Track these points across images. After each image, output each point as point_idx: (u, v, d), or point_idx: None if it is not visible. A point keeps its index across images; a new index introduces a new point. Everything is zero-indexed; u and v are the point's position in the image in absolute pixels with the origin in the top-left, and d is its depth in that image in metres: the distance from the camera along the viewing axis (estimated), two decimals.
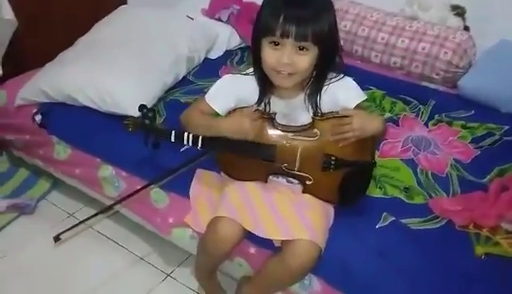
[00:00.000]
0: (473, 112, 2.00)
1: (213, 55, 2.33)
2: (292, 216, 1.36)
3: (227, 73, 1.51)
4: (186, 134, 1.41)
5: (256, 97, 1.41)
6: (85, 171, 1.84)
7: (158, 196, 1.65)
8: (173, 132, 1.44)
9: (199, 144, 1.41)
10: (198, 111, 1.43)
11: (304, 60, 1.29)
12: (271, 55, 1.29)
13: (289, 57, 1.27)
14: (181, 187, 1.60)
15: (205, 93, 1.47)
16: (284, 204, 1.39)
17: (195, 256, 1.57)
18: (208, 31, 2.31)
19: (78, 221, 1.85)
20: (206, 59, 2.29)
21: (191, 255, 1.67)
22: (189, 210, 1.55)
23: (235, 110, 1.41)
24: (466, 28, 2.30)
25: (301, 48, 1.27)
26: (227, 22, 2.44)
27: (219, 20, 2.45)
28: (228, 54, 2.35)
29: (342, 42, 2.31)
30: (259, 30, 1.31)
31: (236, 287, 1.58)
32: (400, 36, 2.26)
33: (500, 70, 2.05)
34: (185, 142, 1.42)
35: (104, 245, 1.85)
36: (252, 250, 1.48)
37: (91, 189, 1.88)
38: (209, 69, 2.19)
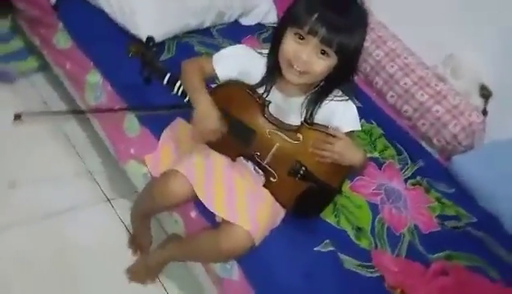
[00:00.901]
0: (453, 190, 1.99)
1: (244, 22, 2.28)
2: (243, 202, 1.35)
3: (246, 44, 1.48)
4: (178, 83, 1.39)
5: (259, 78, 1.38)
6: (75, 68, 1.81)
7: (131, 125, 1.63)
8: (168, 76, 1.42)
9: (185, 99, 1.38)
10: (199, 66, 1.40)
11: (321, 65, 1.27)
12: (291, 47, 1.27)
13: (308, 55, 1.25)
14: (156, 126, 1.58)
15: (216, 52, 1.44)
16: (241, 189, 1.38)
17: (142, 189, 1.56)
18: None
19: (48, 110, 1.82)
20: (236, 22, 2.25)
21: (137, 192, 1.66)
22: (153, 150, 1.54)
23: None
24: (484, 112, 2.29)
25: (322, 52, 1.25)
26: None
27: None
28: (259, 27, 2.31)
29: (368, 69, 2.35)
30: (289, 18, 1.28)
31: (164, 240, 1.57)
32: (422, 89, 2.23)
33: (496, 166, 2.04)
34: (174, 90, 1.40)
35: (61, 145, 1.83)
36: (193, 214, 1.48)
37: (73, 87, 1.86)
38: (235, 33, 2.14)
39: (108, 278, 1.53)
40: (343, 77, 1.34)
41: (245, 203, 1.35)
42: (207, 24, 2.08)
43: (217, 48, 1.89)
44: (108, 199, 1.73)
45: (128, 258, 1.59)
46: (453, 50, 2.33)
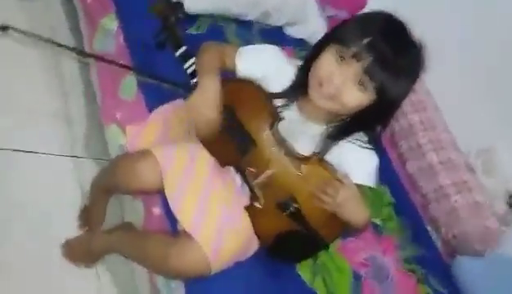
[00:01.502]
0: (446, 292, 1.76)
1: (289, 31, 2.08)
2: (214, 218, 1.13)
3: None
4: (192, 60, 1.19)
5: (280, 88, 1.18)
6: (95, 6, 1.62)
7: (128, 87, 1.43)
8: (183, 49, 1.21)
9: (193, 81, 1.17)
10: (220, 52, 1.20)
11: (354, 96, 1.06)
12: (327, 65, 1.07)
13: (343, 80, 1.04)
14: (153, 98, 1.38)
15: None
16: (217, 201, 1.16)
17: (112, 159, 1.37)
18: (304, 9, 2.07)
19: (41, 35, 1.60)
20: (281, 28, 2.05)
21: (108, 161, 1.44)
22: (139, 123, 1.33)
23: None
24: (505, 220, 2.07)
25: (361, 83, 1.05)
26: (326, 19, 2.20)
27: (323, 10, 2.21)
28: (302, 43, 2.10)
29: (397, 129, 2.13)
30: (335, 34, 1.09)
31: (115, 226, 1.35)
32: (447, 171, 2.02)
33: (502, 282, 1.81)
34: (185, 66, 1.19)
35: (50, 79, 1.61)
36: (156, 210, 1.26)
37: (86, 25, 1.66)
38: (275, 38, 1.94)
39: (41, 241, 1.32)
40: (373, 121, 1.14)
41: (216, 220, 1.12)
42: (250, 17, 1.88)
43: (248, 43, 1.72)
44: (75, 156, 1.51)
45: (72, 229, 1.37)
46: (491, 145, 2.13)
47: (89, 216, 1.37)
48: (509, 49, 2.03)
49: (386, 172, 1.92)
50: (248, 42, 1.76)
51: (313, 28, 2.14)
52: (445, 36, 1.88)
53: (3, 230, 1.29)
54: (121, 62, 1.43)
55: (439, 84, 2.15)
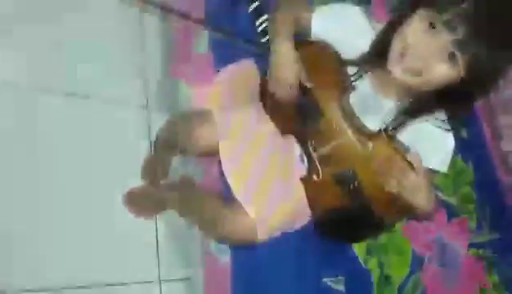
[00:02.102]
0: None
1: None
2: (266, 188, 1.11)
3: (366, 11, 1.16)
4: (264, 17, 1.13)
5: (357, 53, 1.08)
6: None
7: (201, 43, 1.40)
8: (255, 4, 1.16)
9: (264, 39, 1.12)
10: (296, 9, 1.11)
11: (441, 71, 0.93)
12: (414, 33, 0.94)
13: (431, 53, 0.92)
14: (222, 57, 1.34)
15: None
16: (272, 170, 1.13)
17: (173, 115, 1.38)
18: None
19: None
20: None
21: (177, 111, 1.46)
22: (207, 82, 1.32)
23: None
24: None
25: (451, 56, 0.92)
26: None
27: None
28: None
29: (497, 101, 1.92)
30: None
31: (177, 181, 1.39)
32: None
33: None
34: (257, 23, 1.14)
35: (129, 28, 1.60)
36: (214, 170, 1.26)
37: None
38: None
39: (104, 186, 1.37)
40: (460, 100, 1.01)
41: (268, 192, 1.11)
42: None
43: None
44: (146, 106, 1.54)
45: (136, 179, 1.42)
46: None
47: (153, 168, 1.41)
48: None
49: (474, 147, 1.76)
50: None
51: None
52: None
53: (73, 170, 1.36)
54: (193, 16, 1.40)
55: None
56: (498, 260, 1.60)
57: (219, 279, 1.20)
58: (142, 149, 1.47)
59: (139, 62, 1.58)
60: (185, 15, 1.39)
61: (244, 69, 1.30)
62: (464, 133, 1.70)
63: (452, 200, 1.62)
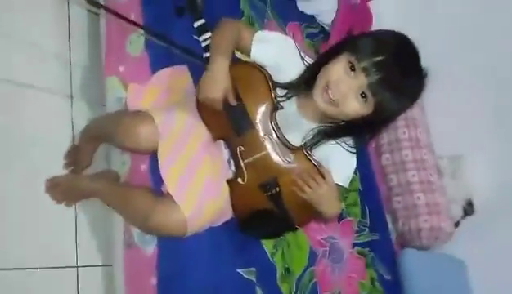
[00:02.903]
0: (389, 278, 1.93)
1: (301, 6, 2.12)
2: (197, 187, 1.23)
3: (291, 33, 1.34)
4: (208, 34, 1.24)
5: (287, 79, 1.26)
6: None
7: (135, 43, 1.46)
8: (201, 22, 1.28)
9: (205, 55, 1.24)
10: (237, 32, 1.25)
11: (354, 107, 1.16)
12: (337, 72, 1.15)
13: (349, 89, 1.13)
14: (158, 60, 1.42)
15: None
16: (203, 172, 1.25)
17: (105, 112, 1.43)
18: None
19: None
20: (294, 1, 2.09)
21: (104, 106, 1.49)
22: (142, 81, 1.39)
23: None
24: (457, 224, 2.23)
25: (363, 95, 1.14)
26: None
27: None
28: (310, 20, 2.14)
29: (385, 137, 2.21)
30: (352, 44, 1.16)
31: (100, 172, 1.44)
32: (417, 170, 2.13)
33: (438, 278, 2.00)
34: (200, 39, 1.25)
35: (57, 20, 1.60)
36: (143, 167, 1.35)
37: None
38: (285, 11, 1.97)
39: (26, 173, 1.39)
40: (364, 130, 1.24)
41: (199, 190, 1.23)
42: None
43: (260, 14, 1.76)
44: (71, 96, 1.56)
45: (58, 167, 1.45)
46: (466, 154, 2.25)
47: (76, 157, 1.45)
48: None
49: (361, 160, 2.02)
50: (257, 11, 1.80)
51: (325, 6, 2.18)
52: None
53: None
54: (132, 16, 1.46)
55: (430, 87, 2.24)
56: (374, 258, 1.88)
57: (141, 268, 1.29)
58: (64, 138, 1.50)
59: (66, 55, 1.59)
60: (122, 16, 1.43)
61: (179, 74, 1.40)
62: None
63: (342, 205, 1.86)
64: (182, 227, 1.18)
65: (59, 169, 1.45)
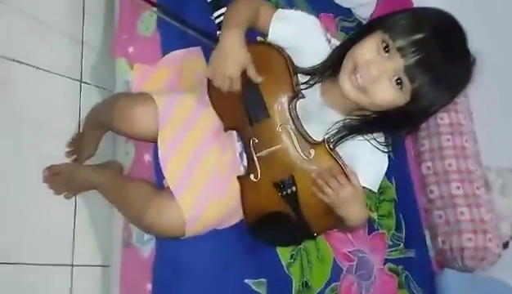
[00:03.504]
0: None
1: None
2: (201, 182, 1.08)
3: (321, 22, 1.17)
4: (221, 10, 1.10)
5: (309, 64, 1.09)
6: None
7: (147, 23, 1.33)
8: None
9: (217, 31, 1.09)
10: (255, 9, 1.10)
11: (387, 93, 0.98)
12: (368, 52, 0.98)
13: (381, 72, 0.96)
14: (170, 41, 1.29)
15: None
16: (208, 165, 1.10)
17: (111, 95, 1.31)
18: None
19: None
20: None
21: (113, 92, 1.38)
22: (151, 62, 1.26)
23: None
24: (506, 245, 1.99)
25: (399, 81, 0.96)
26: None
27: None
28: (346, 12, 1.96)
29: (423, 125, 2.00)
30: (385, 21, 0.99)
31: (102, 163, 1.32)
32: (462, 182, 1.91)
33: None
34: (214, 15, 1.11)
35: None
36: (146, 157, 1.21)
37: None
38: (318, 0, 1.81)
39: (27, 158, 1.27)
40: (399, 124, 1.06)
41: (202, 185, 1.08)
42: None
43: (290, 1, 1.61)
44: (80, 80, 1.44)
45: (60, 154, 1.33)
46: None
47: (80, 145, 1.33)
48: None
49: (398, 167, 1.84)
50: (289, 1, 1.65)
51: (363, 0, 2.00)
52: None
53: None
54: None
55: (478, 90, 2.01)
56: (409, 278, 1.68)
57: (137, 271, 1.15)
58: (70, 124, 1.38)
59: (78, 35, 1.48)
60: None
61: (192, 57, 1.26)
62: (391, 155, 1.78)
63: (373, 215, 1.67)
64: (180, 226, 1.04)
65: (62, 157, 1.33)
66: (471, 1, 2.02)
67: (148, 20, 1.32)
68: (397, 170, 1.83)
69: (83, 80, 1.44)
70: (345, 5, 1.97)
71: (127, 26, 1.35)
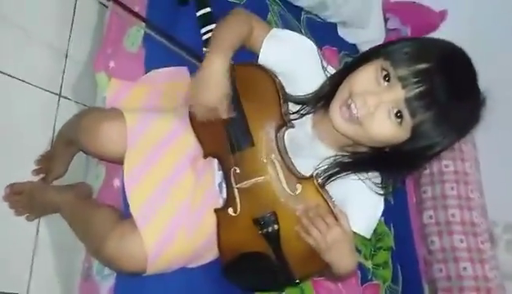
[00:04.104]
0: None
1: (342, 32, 1.86)
2: (167, 215, 0.96)
3: (320, 52, 1.08)
4: (210, 26, 1.01)
5: (301, 91, 1.00)
6: None
7: (133, 39, 1.24)
8: (207, 10, 1.05)
9: (204, 51, 1.00)
10: (248, 27, 1.01)
11: (385, 129, 0.87)
12: (365, 80, 0.88)
13: (378, 104, 0.86)
14: (156, 59, 1.19)
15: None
16: (181, 194, 0.99)
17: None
18: (367, 13, 1.86)
19: None
20: (333, 25, 1.83)
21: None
22: (131, 79, 1.16)
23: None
24: None
25: (398, 115, 0.85)
26: (386, 31, 1.98)
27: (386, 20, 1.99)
28: (351, 48, 1.87)
29: (426, 170, 1.89)
30: (387, 48, 0.89)
31: (68, 185, 1.21)
32: (465, 235, 1.80)
33: None
34: (202, 31, 1.02)
35: (60, 8, 1.41)
36: (116, 182, 1.10)
37: None
38: (322, 34, 1.72)
39: None
40: (397, 164, 0.95)
41: (171, 216, 0.96)
42: (302, 3, 1.68)
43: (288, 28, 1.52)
44: (59, 94, 1.34)
45: (26, 173, 1.22)
46: None
47: (49, 164, 1.22)
48: None
49: (397, 213, 1.72)
50: (291, 30, 1.57)
51: (370, 36, 1.92)
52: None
53: None
54: (136, 9, 1.25)
55: (487, 139, 1.90)
56: None
57: None
58: (42, 140, 1.27)
59: (63, 47, 1.39)
60: (126, 7, 1.23)
61: (177, 77, 1.16)
62: (390, 197, 1.65)
63: (367, 264, 1.53)
64: (141, 261, 0.91)
65: (28, 175, 1.22)
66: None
67: (134, 36, 1.24)
68: (397, 216, 1.70)
69: (62, 94, 1.34)
70: (350, 40, 1.89)
71: (112, 40, 1.27)
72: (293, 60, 1.02)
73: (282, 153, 0.97)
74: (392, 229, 1.67)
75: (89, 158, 1.22)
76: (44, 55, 1.34)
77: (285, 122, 0.97)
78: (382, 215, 1.05)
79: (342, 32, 1.88)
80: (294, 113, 1.00)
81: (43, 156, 1.24)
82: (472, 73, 0.89)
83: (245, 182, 0.98)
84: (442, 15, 1.94)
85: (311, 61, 1.03)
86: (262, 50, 1.01)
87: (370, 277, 1.51)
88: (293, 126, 0.99)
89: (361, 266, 1.47)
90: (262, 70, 0.99)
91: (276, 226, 0.97)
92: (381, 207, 1.00)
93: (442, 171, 1.87)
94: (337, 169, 0.97)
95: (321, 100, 0.99)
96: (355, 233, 0.97)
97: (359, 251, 1.51)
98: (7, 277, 1.15)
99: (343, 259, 0.93)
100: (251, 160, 0.98)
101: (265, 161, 0.97)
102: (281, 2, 1.62)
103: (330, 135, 0.98)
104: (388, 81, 0.86)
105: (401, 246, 1.68)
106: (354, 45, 1.90)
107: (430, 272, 1.82)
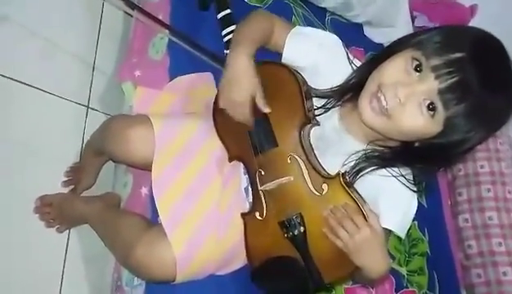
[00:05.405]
0: None
1: (368, 32, 1.83)
2: (194, 220, 0.94)
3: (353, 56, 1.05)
4: (231, 28, 1.00)
5: (327, 85, 0.97)
6: None
7: (159, 46, 1.25)
8: (227, 12, 1.04)
9: (225, 53, 0.99)
10: (269, 27, 0.99)
11: (416, 121, 0.83)
12: (395, 71, 0.85)
13: (409, 96, 0.82)
14: (181, 66, 1.19)
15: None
16: (206, 203, 0.97)
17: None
18: (394, 12, 1.82)
19: None
20: (359, 26, 1.80)
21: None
22: (157, 87, 1.16)
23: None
24: None
25: (431, 107, 0.82)
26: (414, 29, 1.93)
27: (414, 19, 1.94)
28: (378, 48, 1.83)
29: (460, 172, 1.83)
30: (416, 39, 0.85)
31: (101, 195, 1.21)
32: (504, 238, 1.72)
33: None
34: (223, 32, 1.01)
35: (87, 19, 1.43)
36: (143, 190, 1.10)
37: None
38: (348, 35, 1.68)
39: (18, 188, 1.17)
40: (429, 159, 0.90)
41: (199, 222, 0.94)
42: (327, 4, 1.66)
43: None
44: (88, 106, 1.36)
45: (56, 184, 1.22)
46: None
47: (78, 175, 1.23)
48: None
49: (432, 218, 1.66)
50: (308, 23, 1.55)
51: (398, 35, 1.87)
52: None
53: None
54: (160, 16, 1.26)
55: None
56: None
57: None
58: (71, 152, 1.28)
59: (91, 59, 1.41)
60: (151, 15, 1.24)
61: (201, 83, 1.16)
62: (423, 201, 1.60)
63: (402, 270, 1.49)
64: (170, 268, 0.90)
65: (59, 187, 1.23)
66: None
67: (159, 44, 1.24)
68: (431, 221, 1.65)
69: (91, 106, 1.36)
70: (377, 40, 1.86)
71: (137, 50, 1.28)
72: (318, 53, 0.99)
73: (307, 152, 0.94)
74: (426, 234, 1.62)
75: (117, 167, 1.22)
76: (72, 66, 1.36)
77: (308, 119, 0.94)
78: (415, 219, 1.00)
79: (368, 32, 1.84)
80: (319, 107, 0.98)
81: (72, 167, 1.25)
82: (506, 62, 0.85)
83: (270, 183, 0.96)
84: (472, 10, 1.88)
85: (336, 54, 1.01)
86: (286, 46, 1.00)
87: (405, 284, 1.46)
88: (318, 124, 0.96)
89: (395, 273, 1.43)
90: (283, 67, 0.97)
91: (302, 228, 0.93)
92: (415, 203, 0.96)
93: (477, 173, 1.81)
94: (365, 164, 0.94)
95: (348, 92, 0.95)
96: (388, 232, 0.93)
97: (393, 257, 1.46)
98: (38, 289, 1.15)
99: (374, 261, 0.89)
100: (275, 161, 0.95)
101: (289, 161, 0.94)
102: (305, 4, 1.60)
103: (358, 128, 0.95)
104: (419, 71, 0.83)
105: (436, 251, 1.63)
106: (381, 44, 1.86)
107: (468, 277, 1.74)
